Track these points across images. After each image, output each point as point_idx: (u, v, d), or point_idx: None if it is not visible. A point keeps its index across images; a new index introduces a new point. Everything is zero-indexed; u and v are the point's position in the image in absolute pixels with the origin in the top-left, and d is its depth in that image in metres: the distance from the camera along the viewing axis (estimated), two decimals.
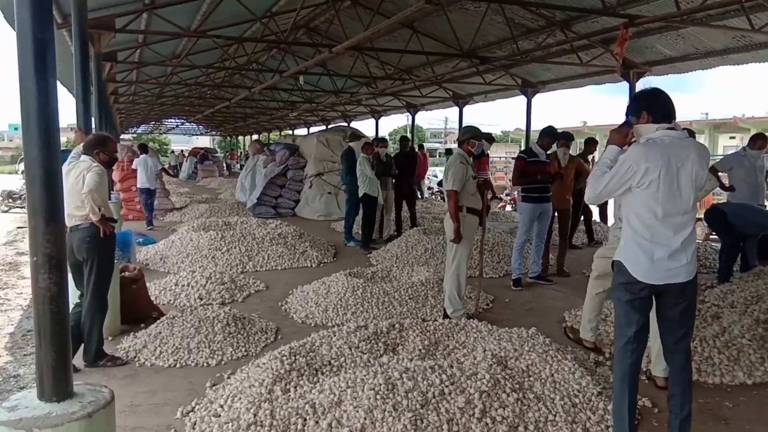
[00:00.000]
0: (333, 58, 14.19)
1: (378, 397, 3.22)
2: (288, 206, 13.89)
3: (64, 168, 4.53)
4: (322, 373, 3.76)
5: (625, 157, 2.99)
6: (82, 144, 4.64)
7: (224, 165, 32.27)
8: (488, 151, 9.51)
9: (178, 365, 4.47)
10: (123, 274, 5.59)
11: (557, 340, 4.57)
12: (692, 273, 3.00)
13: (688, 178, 2.95)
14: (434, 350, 4.28)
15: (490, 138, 8.32)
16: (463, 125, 17.23)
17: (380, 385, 3.29)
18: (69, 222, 4.45)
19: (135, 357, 4.63)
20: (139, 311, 5.58)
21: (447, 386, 3.37)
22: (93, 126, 5.62)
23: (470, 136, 5.34)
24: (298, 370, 3.67)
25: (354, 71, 15.63)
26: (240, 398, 3.50)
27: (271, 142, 23.58)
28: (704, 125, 38.53)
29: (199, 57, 13.60)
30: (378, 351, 4.15)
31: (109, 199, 5.54)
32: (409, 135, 19.57)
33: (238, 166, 37.18)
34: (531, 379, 3.71)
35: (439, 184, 18.16)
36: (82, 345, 4.47)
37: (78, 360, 4.48)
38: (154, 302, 5.98)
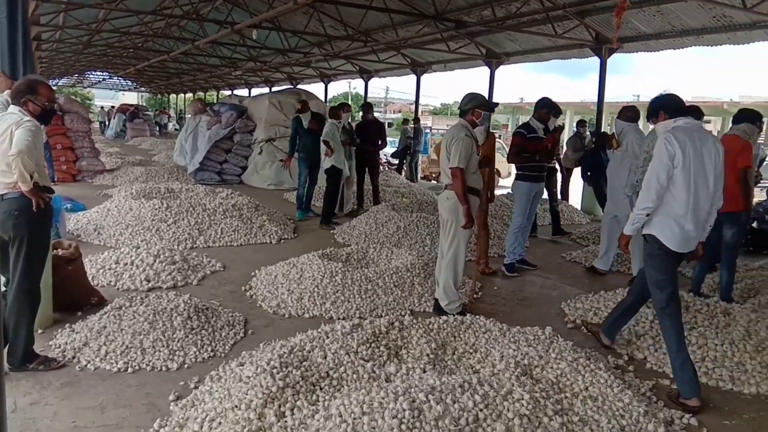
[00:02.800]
0: (289, 12, 13.12)
1: (404, 427, 2.58)
2: (234, 173, 12.85)
3: None
4: (321, 389, 3.07)
5: (659, 147, 3.45)
6: (8, 91, 3.66)
7: (156, 124, 30.22)
8: (556, 125, 7.18)
9: (129, 369, 3.65)
10: (56, 251, 4.64)
11: (568, 337, 4.09)
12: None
13: (709, 159, 3.46)
14: (443, 355, 3.67)
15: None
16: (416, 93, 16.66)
17: (404, 411, 2.64)
18: None
19: (74, 358, 3.76)
20: (76, 296, 4.67)
21: (481, 410, 2.77)
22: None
23: (475, 104, 4.67)
24: (292, 386, 2.97)
25: (308, 30, 14.52)
26: (221, 424, 2.77)
27: (212, 101, 22.03)
28: (639, 106, 39.61)
29: (136, 2, 12.18)
30: (381, 357, 3.48)
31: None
32: (354, 103, 18.75)
33: (171, 125, 35.13)
34: (569, 396, 3.16)
35: (392, 155, 17.47)
36: (7, 345, 3.58)
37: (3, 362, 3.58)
38: (93, 284, 5.07)
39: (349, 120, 9.39)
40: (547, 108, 6.32)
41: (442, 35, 12.40)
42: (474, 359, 3.63)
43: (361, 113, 11.10)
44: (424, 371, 3.33)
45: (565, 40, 10.99)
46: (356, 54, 16.08)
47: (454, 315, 4.47)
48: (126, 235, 6.96)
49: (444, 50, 13.13)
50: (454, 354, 3.71)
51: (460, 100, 4.80)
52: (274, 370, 3.01)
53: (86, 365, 3.68)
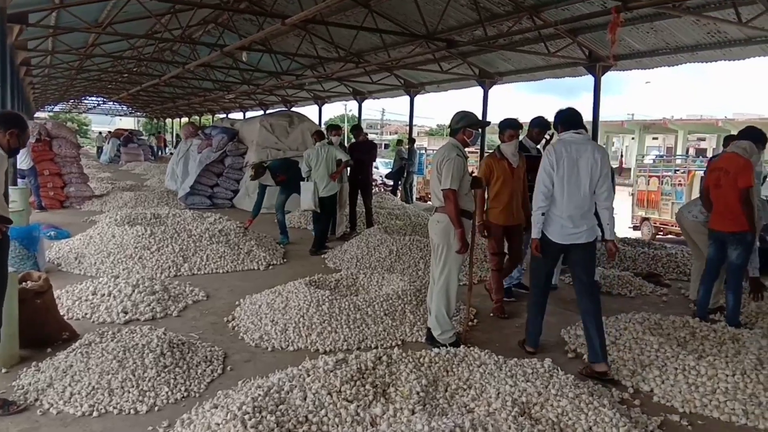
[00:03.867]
0: (280, 35, 13.05)
1: None
2: (225, 197, 12.62)
3: None
4: None
5: (543, 158, 4.20)
6: None
7: (150, 148, 30.07)
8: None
9: (95, 413, 3.36)
10: (24, 284, 4.38)
11: (568, 369, 3.81)
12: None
13: (585, 167, 4.07)
14: (434, 392, 3.40)
15: (545, 124, 5.97)
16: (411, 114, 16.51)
17: None
18: None
19: (36, 400, 3.48)
20: (45, 332, 4.39)
21: None
22: None
23: (466, 123, 4.46)
24: None
25: (300, 52, 14.43)
26: None
27: (206, 125, 21.87)
28: (634, 125, 39.53)
29: (126, 26, 12.06)
30: (366, 397, 3.21)
31: (11, 185, 4.33)
32: (350, 124, 18.65)
33: (168, 151, 35.03)
34: None
35: (387, 176, 17.28)
36: None
37: None
38: (66, 318, 4.80)
39: (341, 141, 9.19)
40: (539, 127, 6.09)
41: (434, 55, 12.30)
42: (468, 396, 3.35)
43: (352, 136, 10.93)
44: (413, 412, 3.06)
45: (558, 59, 10.88)
46: (349, 76, 16.01)
47: (447, 346, 4.21)
48: (107, 263, 6.70)
49: (437, 71, 13.04)
50: (446, 391, 3.44)
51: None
52: (246, 416, 2.74)
53: (48, 409, 3.40)
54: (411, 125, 16.77)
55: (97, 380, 3.56)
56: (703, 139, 43.27)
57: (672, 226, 14.58)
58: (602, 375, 3.96)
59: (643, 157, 21.40)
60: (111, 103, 36.96)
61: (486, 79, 13.24)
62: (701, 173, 13.70)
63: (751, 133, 5.05)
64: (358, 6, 10.79)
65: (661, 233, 14.94)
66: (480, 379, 3.49)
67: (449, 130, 4.59)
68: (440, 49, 11.27)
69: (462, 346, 4.07)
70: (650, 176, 15.48)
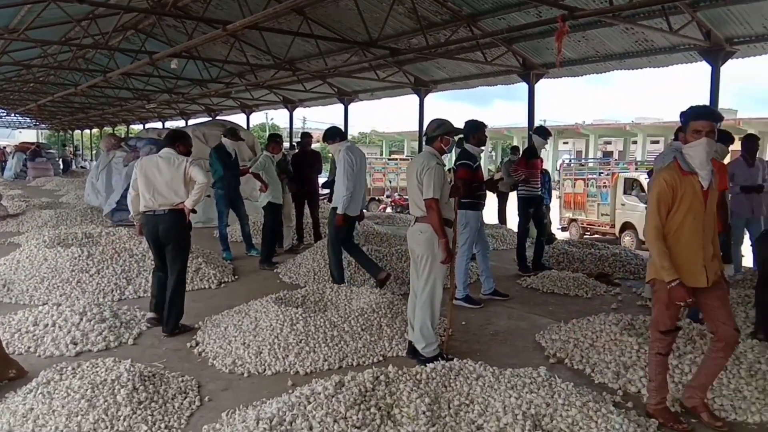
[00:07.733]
0: (209, 41, 12.54)
1: None
2: None
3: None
4: None
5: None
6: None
7: (60, 162, 28.10)
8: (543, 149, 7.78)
9: None
10: None
11: (561, 375, 3.80)
12: None
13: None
14: (438, 410, 3.27)
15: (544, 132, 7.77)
16: (341, 123, 16.37)
17: None
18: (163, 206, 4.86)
19: None
20: None
21: None
22: None
23: (443, 131, 4.39)
24: None
25: (229, 59, 13.93)
26: None
27: (130, 136, 20.60)
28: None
29: (40, 32, 11.18)
30: (374, 421, 3.04)
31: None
32: (285, 132, 18.29)
33: (84, 163, 33.04)
34: None
35: (323, 186, 17.01)
36: None
37: None
38: (8, 353, 4.29)
39: (283, 152, 8.91)
40: (482, 129, 6.00)
41: (370, 64, 12.24)
42: (474, 412, 3.25)
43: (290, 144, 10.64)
44: None
45: (492, 67, 11.11)
46: (280, 84, 15.64)
47: (437, 359, 4.10)
48: (42, 290, 6.11)
49: (373, 79, 12.97)
50: (449, 408, 3.32)
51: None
52: None
53: None
54: (346, 133, 16.58)
55: (65, 423, 3.17)
56: (609, 143, 45.99)
57: (598, 226, 15.30)
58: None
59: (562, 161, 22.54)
60: (14, 115, 34.31)
61: (421, 87, 13.35)
62: (625, 175, 14.62)
63: (720, 136, 5.31)
64: (292, 13, 10.55)
65: (588, 233, 15.61)
66: (481, 393, 3.41)
67: (426, 137, 4.50)
68: (378, 57, 11.23)
69: (456, 359, 3.97)
70: (576, 179, 16.17)
